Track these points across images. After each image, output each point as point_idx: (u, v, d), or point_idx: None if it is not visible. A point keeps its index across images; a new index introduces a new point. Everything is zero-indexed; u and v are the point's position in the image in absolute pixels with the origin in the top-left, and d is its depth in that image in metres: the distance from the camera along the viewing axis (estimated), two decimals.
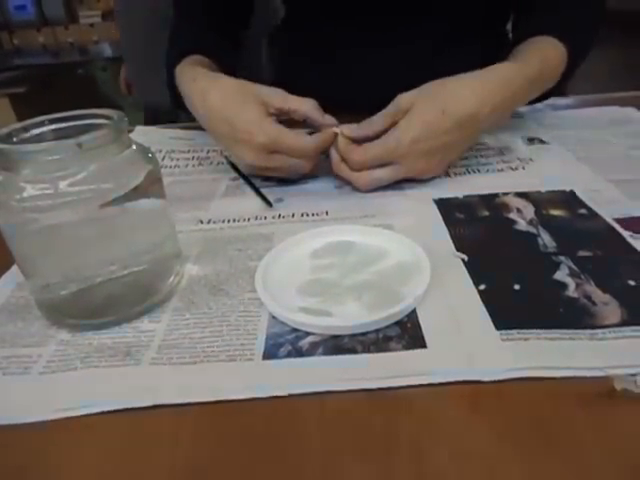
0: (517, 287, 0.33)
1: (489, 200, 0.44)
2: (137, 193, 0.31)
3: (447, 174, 0.50)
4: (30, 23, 2.99)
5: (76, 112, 0.33)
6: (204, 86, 0.51)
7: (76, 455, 0.25)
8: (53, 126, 0.33)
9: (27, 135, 0.32)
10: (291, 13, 0.77)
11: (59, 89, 2.33)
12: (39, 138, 0.32)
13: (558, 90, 0.58)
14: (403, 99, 0.46)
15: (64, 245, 0.31)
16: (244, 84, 0.51)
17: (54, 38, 2.94)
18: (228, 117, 0.48)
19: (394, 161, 0.46)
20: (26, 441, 0.26)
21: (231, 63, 0.63)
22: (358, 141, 0.47)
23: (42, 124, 0.32)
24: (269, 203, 0.47)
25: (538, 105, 0.68)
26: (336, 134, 0.48)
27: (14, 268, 0.38)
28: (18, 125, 0.31)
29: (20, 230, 0.31)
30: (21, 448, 0.26)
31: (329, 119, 0.49)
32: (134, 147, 0.33)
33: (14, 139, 0.31)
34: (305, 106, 0.49)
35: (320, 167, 0.54)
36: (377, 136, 0.46)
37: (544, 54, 0.53)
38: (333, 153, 0.48)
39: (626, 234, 0.38)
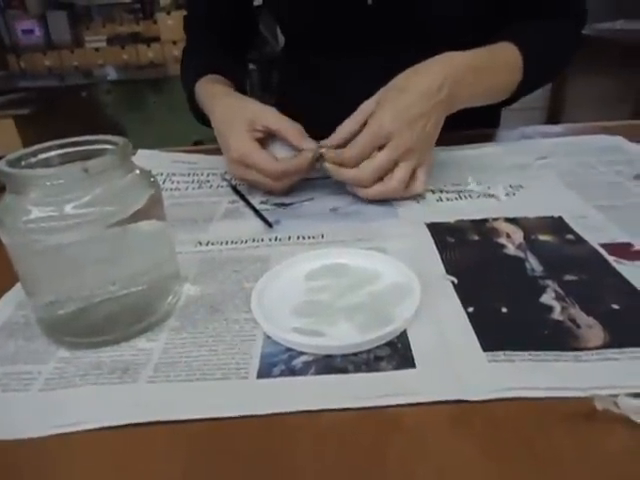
0: (504, 310, 0.34)
1: (479, 225, 0.46)
2: (139, 216, 0.32)
3: (439, 199, 0.52)
4: (37, 46, 3.06)
5: (83, 138, 0.35)
6: (214, 102, 0.58)
7: (74, 470, 0.26)
8: (60, 151, 0.34)
9: (35, 159, 0.33)
10: (289, 42, 0.80)
11: (63, 111, 2.37)
12: (47, 162, 0.33)
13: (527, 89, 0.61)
14: (366, 103, 0.50)
15: (67, 265, 0.32)
16: (242, 101, 0.55)
17: (60, 61, 3.01)
18: (220, 130, 0.54)
19: (383, 143, 0.48)
20: (25, 456, 0.27)
21: (241, 80, 0.69)
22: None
23: (50, 149, 0.34)
24: (269, 224, 0.48)
25: (528, 131, 0.70)
26: (317, 156, 0.50)
27: (17, 286, 0.39)
28: (27, 150, 0.33)
29: (26, 250, 0.32)
30: (20, 463, 0.26)
31: (308, 144, 0.51)
32: (137, 171, 0.34)
33: (23, 163, 0.32)
34: (286, 129, 0.51)
35: (315, 190, 0.55)
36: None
37: (492, 46, 0.57)
38: (326, 165, 0.50)
39: (611, 259, 0.39)
